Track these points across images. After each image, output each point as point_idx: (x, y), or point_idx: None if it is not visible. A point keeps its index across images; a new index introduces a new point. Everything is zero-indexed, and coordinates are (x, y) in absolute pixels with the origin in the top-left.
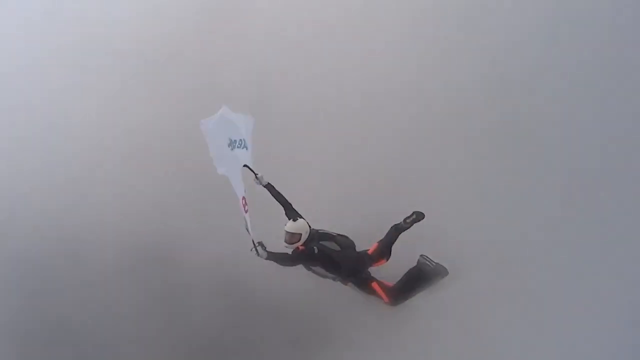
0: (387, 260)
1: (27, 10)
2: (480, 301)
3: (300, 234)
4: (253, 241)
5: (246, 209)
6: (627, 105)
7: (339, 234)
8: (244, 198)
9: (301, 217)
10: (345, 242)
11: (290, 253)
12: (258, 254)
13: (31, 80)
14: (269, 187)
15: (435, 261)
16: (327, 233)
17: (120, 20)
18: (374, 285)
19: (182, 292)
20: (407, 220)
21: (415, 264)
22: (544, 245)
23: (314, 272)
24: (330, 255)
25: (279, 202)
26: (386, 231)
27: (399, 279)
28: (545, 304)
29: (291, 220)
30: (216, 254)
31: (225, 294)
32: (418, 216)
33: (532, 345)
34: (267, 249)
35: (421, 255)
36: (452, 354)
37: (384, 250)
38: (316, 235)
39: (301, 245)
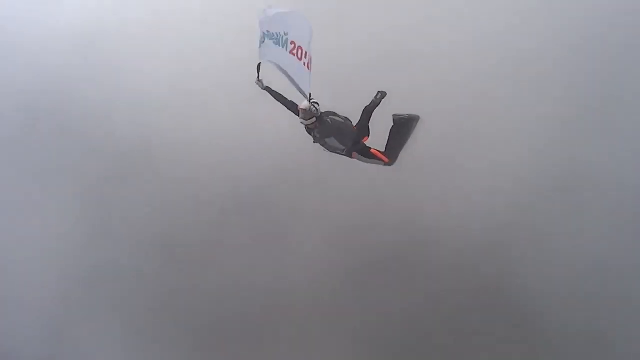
0: (368, 137)
1: None
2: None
3: (311, 111)
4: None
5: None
6: None
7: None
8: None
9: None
10: (345, 119)
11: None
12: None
13: None
14: (269, 90)
15: (406, 114)
16: (331, 112)
17: None
18: (373, 151)
19: None
20: (375, 99)
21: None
22: None
23: (326, 146)
24: (339, 127)
25: (281, 102)
26: None
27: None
28: None
29: (305, 101)
30: None
31: None
32: (382, 95)
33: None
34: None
35: (394, 115)
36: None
37: (362, 129)
38: (324, 114)
39: (316, 121)
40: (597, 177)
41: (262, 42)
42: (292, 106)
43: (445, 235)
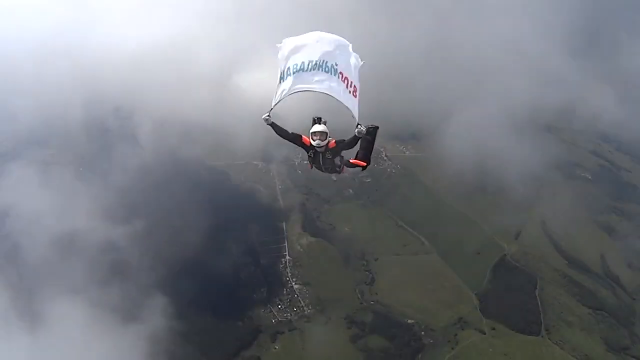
0: (369, 164)
1: None
2: None
3: (327, 133)
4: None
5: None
6: None
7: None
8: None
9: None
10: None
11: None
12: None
13: None
14: (273, 126)
15: (369, 125)
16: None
17: None
18: (352, 161)
19: None
20: (369, 131)
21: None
22: None
23: (326, 165)
24: (343, 147)
25: (284, 137)
26: None
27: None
28: None
29: (316, 124)
30: None
31: None
32: (375, 128)
33: None
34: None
35: (356, 127)
36: None
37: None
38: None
39: (331, 143)
40: None
41: (288, 75)
42: (294, 137)
43: None
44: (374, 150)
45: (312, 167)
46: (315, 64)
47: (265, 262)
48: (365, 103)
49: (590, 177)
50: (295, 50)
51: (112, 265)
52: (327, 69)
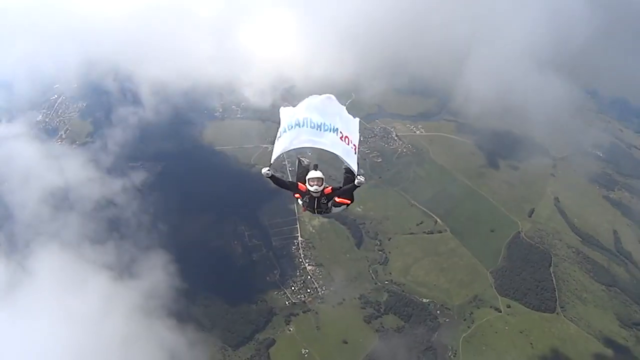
0: (352, 201)
1: None
2: None
3: (323, 179)
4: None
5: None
6: None
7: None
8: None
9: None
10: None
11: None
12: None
13: None
14: (272, 178)
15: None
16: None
17: None
18: (338, 200)
19: None
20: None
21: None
22: None
23: (322, 209)
24: (336, 192)
25: (282, 186)
26: None
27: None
28: None
29: (312, 170)
30: None
31: None
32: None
33: None
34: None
35: (344, 167)
36: None
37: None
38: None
39: (327, 189)
40: None
41: (288, 130)
42: (291, 185)
43: None
44: (382, 132)
45: (305, 210)
46: (315, 124)
47: (277, 244)
48: (382, 56)
49: (601, 155)
50: (294, 113)
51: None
52: (327, 128)
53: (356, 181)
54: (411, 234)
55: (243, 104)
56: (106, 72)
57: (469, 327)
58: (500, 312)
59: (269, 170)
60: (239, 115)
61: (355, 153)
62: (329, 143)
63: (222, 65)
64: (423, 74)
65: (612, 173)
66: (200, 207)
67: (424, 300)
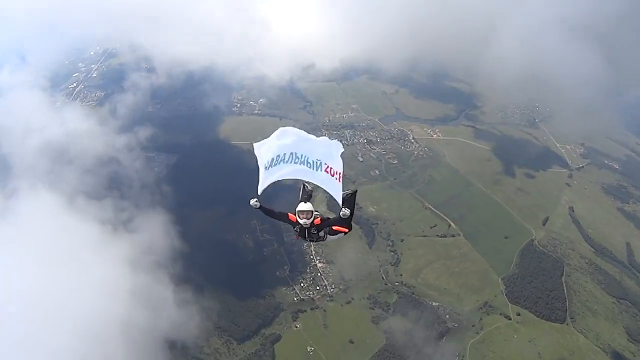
0: (350, 229)
1: None
2: None
3: (312, 211)
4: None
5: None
6: None
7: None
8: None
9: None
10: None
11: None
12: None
13: None
14: (262, 209)
15: (349, 190)
16: (315, 210)
17: None
18: (335, 228)
19: None
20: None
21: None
22: None
23: (315, 237)
24: (327, 222)
25: (272, 217)
26: None
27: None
28: None
29: (302, 202)
30: None
31: None
32: (354, 192)
33: None
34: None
35: (341, 210)
36: None
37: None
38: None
39: (316, 220)
40: None
41: (274, 164)
42: (281, 216)
43: None
44: (399, 134)
45: (298, 238)
46: (299, 157)
47: (289, 240)
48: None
49: (617, 167)
50: (273, 146)
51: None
52: (309, 164)
53: (341, 213)
54: (424, 236)
55: (261, 100)
56: (125, 57)
57: (477, 333)
58: (510, 319)
59: (256, 201)
60: (256, 112)
61: (340, 181)
62: (313, 178)
63: (241, 42)
64: (448, 48)
65: (628, 186)
66: (213, 200)
67: (434, 303)
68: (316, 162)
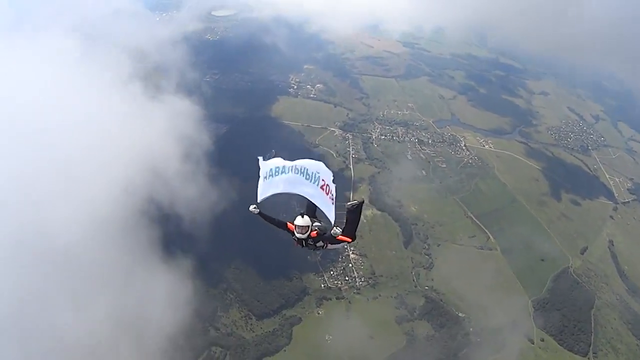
0: (354, 239)
1: None
2: None
3: (308, 226)
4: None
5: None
6: None
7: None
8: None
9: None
10: (324, 225)
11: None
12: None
13: None
14: (261, 214)
15: (354, 201)
16: (314, 218)
17: None
18: (339, 238)
19: None
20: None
21: (344, 212)
22: None
23: (312, 246)
24: (325, 232)
25: (271, 223)
26: None
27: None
28: None
29: (299, 216)
30: None
31: None
32: (361, 203)
33: None
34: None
35: (346, 204)
36: None
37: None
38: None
39: (313, 232)
40: None
41: (274, 174)
42: (279, 224)
43: None
44: (452, 139)
45: (297, 246)
46: (298, 170)
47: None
48: None
49: None
50: (275, 161)
51: None
52: (308, 177)
53: (332, 231)
54: (461, 245)
55: (318, 85)
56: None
57: (498, 351)
58: (533, 343)
59: (255, 207)
60: (312, 95)
61: (333, 203)
62: (310, 192)
63: None
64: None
65: None
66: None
67: (460, 314)
68: (315, 174)
